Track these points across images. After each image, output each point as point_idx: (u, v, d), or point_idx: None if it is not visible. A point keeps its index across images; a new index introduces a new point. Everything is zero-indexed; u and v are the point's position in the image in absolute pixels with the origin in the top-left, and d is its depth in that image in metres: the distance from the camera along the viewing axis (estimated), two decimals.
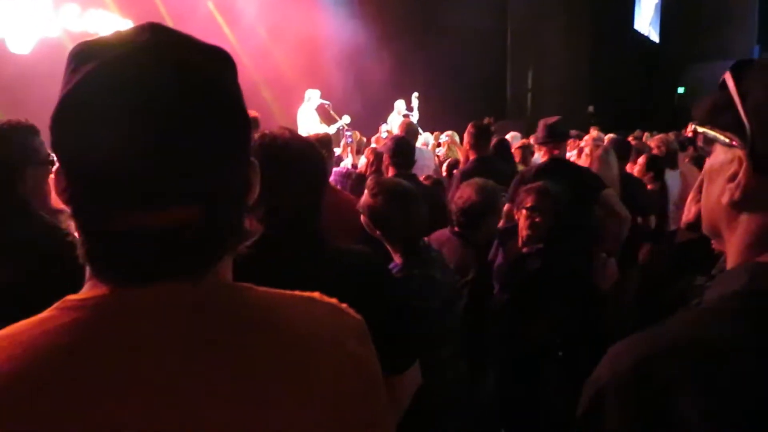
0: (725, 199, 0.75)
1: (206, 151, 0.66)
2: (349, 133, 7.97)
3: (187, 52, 0.67)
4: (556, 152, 3.98)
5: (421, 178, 4.26)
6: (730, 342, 0.67)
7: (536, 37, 15.45)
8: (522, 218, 3.05)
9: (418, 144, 6.16)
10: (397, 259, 2.21)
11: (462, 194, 2.94)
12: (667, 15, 21.24)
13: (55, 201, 3.49)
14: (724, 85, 0.76)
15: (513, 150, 5.87)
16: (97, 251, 0.67)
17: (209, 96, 0.66)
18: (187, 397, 0.63)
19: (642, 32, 20.44)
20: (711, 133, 0.77)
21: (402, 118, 8.05)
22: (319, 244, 1.52)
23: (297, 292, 0.77)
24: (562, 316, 2.93)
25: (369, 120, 9.96)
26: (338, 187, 3.56)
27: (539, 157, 6.40)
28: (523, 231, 3.04)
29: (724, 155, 0.76)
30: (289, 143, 1.50)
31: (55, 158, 0.67)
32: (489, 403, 2.91)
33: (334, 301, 0.80)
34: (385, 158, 3.89)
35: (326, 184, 1.69)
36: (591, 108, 15.09)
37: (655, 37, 21.34)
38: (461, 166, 5.13)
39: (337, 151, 7.66)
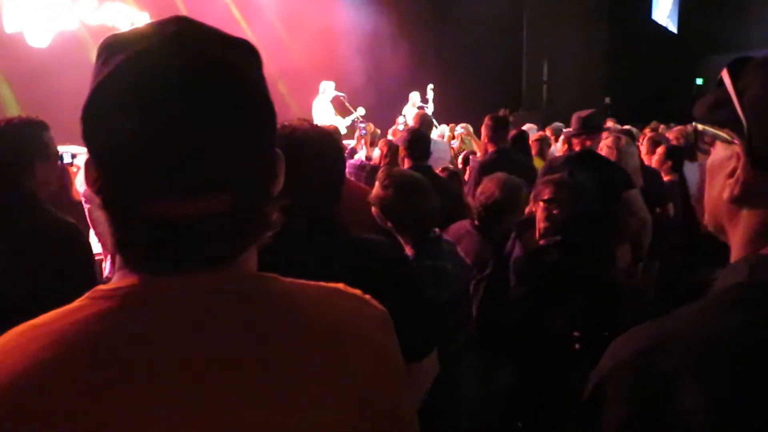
0: (725, 195, 0.76)
1: (234, 141, 0.67)
2: (362, 125, 7.96)
3: (214, 44, 0.68)
4: (588, 143, 3.93)
5: (438, 170, 4.25)
6: (729, 334, 0.67)
7: (552, 28, 15.35)
8: (539, 210, 3.03)
9: (434, 136, 6.14)
10: (408, 251, 2.21)
11: (485, 189, 2.93)
12: (685, 6, 20.98)
13: (75, 193, 3.54)
14: (721, 82, 0.76)
15: (530, 142, 5.84)
16: (127, 240, 0.68)
17: (236, 87, 0.67)
18: (214, 386, 0.64)
19: (660, 23, 20.21)
20: (710, 130, 0.78)
21: (417, 110, 8.03)
22: (338, 233, 1.55)
23: (322, 283, 0.77)
24: (580, 309, 2.91)
25: (384, 112, 9.94)
26: (352, 179, 3.56)
27: (555, 150, 6.38)
28: (540, 223, 3.02)
29: (724, 152, 0.77)
30: (308, 134, 1.52)
31: (86, 150, 0.68)
32: (506, 396, 2.91)
33: (358, 292, 0.80)
34: (401, 150, 3.88)
35: (344, 174, 1.70)
36: (607, 100, 14.95)
37: (673, 28, 21.08)
38: (479, 158, 5.10)
39: (352, 143, 7.66)
